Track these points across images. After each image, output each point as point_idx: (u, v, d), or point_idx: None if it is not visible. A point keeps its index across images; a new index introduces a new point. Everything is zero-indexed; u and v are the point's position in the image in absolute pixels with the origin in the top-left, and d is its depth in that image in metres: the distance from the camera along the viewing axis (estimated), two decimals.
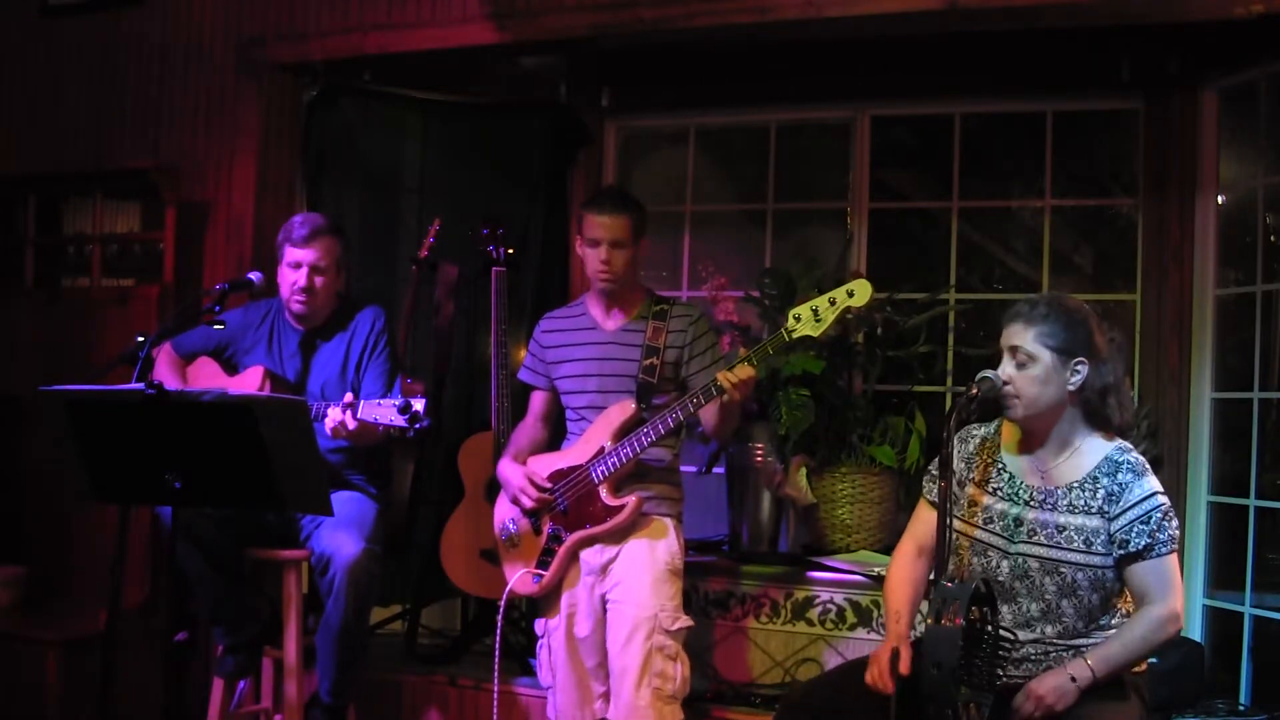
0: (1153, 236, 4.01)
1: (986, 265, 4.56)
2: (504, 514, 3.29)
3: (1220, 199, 3.96)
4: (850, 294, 2.82)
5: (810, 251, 4.47)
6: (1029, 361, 2.48)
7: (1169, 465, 3.85)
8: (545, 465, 3.20)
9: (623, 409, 3.10)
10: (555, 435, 3.37)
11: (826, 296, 2.84)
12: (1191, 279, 3.93)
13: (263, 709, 3.54)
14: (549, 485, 3.16)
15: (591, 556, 3.12)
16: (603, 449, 3.09)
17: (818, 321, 2.84)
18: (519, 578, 3.18)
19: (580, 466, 3.12)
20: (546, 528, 3.18)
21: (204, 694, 3.38)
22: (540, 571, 3.15)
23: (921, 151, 4.59)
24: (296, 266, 3.33)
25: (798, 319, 2.86)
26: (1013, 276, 4.49)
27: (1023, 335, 2.49)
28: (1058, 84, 4.16)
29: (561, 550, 3.13)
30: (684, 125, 4.71)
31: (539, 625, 3.24)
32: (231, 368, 3.44)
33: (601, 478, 3.08)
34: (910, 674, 2.34)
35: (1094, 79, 4.10)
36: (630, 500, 3.06)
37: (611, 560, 3.09)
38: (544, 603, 3.22)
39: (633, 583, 3.04)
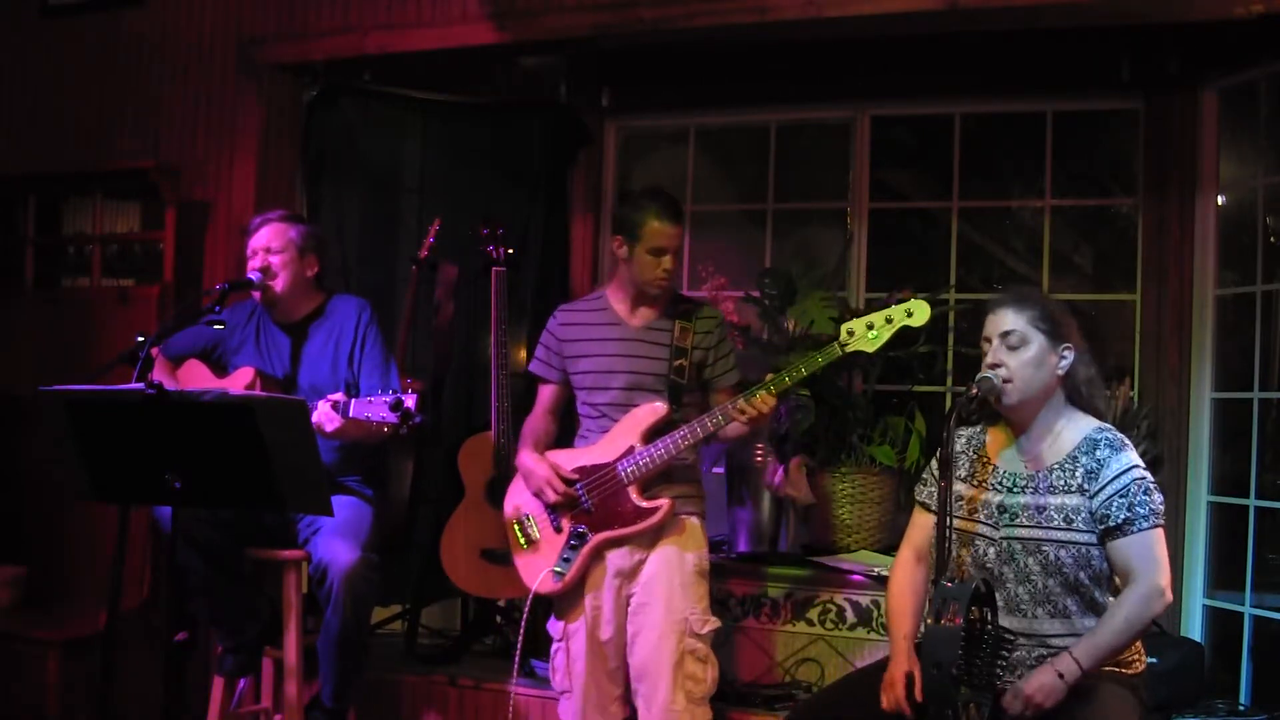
0: (1153, 236, 4.01)
1: (986, 265, 4.56)
2: (519, 507, 3.22)
3: (1220, 199, 3.96)
4: (909, 314, 2.82)
5: (810, 251, 4.48)
6: (1022, 345, 2.51)
7: (1169, 465, 3.85)
8: (566, 461, 3.14)
9: (653, 410, 3.06)
10: (560, 431, 3.32)
11: (883, 314, 2.84)
12: (1191, 279, 3.93)
13: (263, 709, 3.54)
14: (574, 479, 3.10)
15: (619, 559, 3.07)
16: (632, 448, 3.04)
17: (874, 338, 2.83)
18: (542, 578, 3.11)
19: (607, 465, 3.06)
20: (568, 525, 3.11)
21: (204, 694, 3.38)
22: (561, 570, 3.09)
23: (921, 151, 4.59)
24: (253, 254, 3.40)
25: (851, 333, 2.85)
26: (1013, 276, 4.49)
27: (1016, 319, 2.52)
28: (1058, 84, 4.16)
29: (585, 549, 3.07)
30: (684, 125, 4.71)
31: (554, 628, 3.17)
32: (220, 368, 3.45)
33: (631, 478, 3.03)
34: (923, 699, 2.33)
35: (1094, 79, 4.10)
36: (664, 502, 3.02)
37: (640, 563, 3.05)
38: (563, 605, 3.16)
39: (663, 586, 3.02)
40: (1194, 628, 3.83)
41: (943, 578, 2.31)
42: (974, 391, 2.49)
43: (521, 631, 3.23)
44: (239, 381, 3.32)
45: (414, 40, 4.04)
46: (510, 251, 3.85)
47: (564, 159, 4.56)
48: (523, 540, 3.20)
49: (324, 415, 3.04)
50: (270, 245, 3.38)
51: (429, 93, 4.38)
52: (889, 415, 3.94)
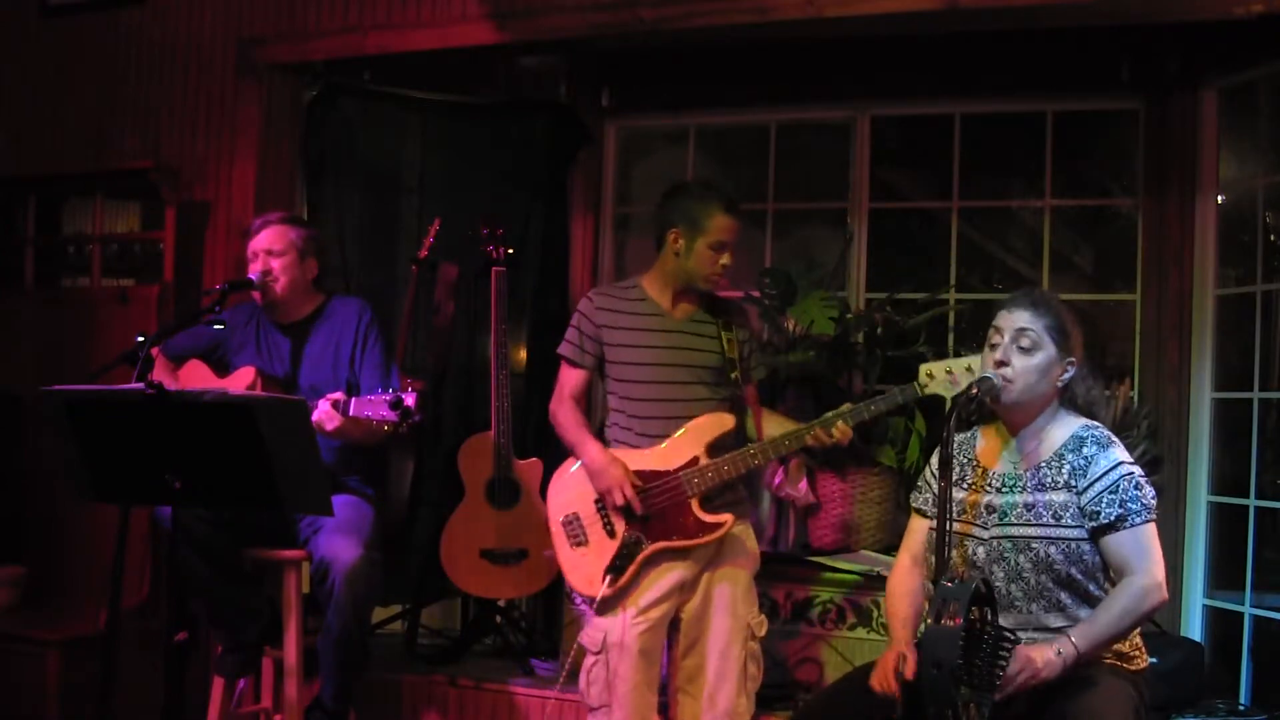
0: (1153, 236, 4.01)
1: (986, 265, 4.55)
2: (569, 504, 3.09)
3: (1220, 199, 3.96)
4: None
5: (810, 251, 4.48)
6: (1034, 348, 2.50)
7: (1169, 465, 3.85)
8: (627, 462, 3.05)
9: (720, 422, 3.02)
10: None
11: (964, 361, 2.81)
12: (1191, 279, 3.93)
13: (263, 709, 3.54)
14: (641, 485, 3.00)
15: (684, 570, 3.02)
16: (696, 459, 2.99)
17: (951, 386, 2.80)
18: (594, 583, 2.99)
19: (670, 473, 3.00)
20: (622, 531, 3.02)
21: (204, 694, 3.38)
22: (614, 576, 2.97)
23: (921, 151, 4.59)
24: (254, 257, 3.41)
25: (931, 376, 2.83)
26: (1013, 276, 4.49)
27: (1034, 321, 2.51)
28: (1058, 84, 4.16)
29: (640, 557, 2.98)
30: (684, 125, 4.71)
31: (590, 640, 3.02)
32: (222, 368, 3.46)
33: (696, 490, 2.97)
34: (912, 677, 2.34)
35: (1094, 79, 4.10)
36: (727, 518, 2.98)
37: (700, 573, 3.04)
38: (610, 615, 3.02)
39: (728, 595, 3.04)
40: (1194, 628, 3.83)
41: (943, 577, 2.31)
42: (974, 391, 2.49)
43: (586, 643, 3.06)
44: (240, 381, 3.32)
45: (414, 40, 4.03)
46: (510, 251, 3.86)
47: (564, 159, 4.55)
48: (570, 542, 3.08)
49: (324, 414, 3.04)
50: (271, 247, 3.39)
51: (429, 93, 4.38)
52: (889, 415, 3.93)
